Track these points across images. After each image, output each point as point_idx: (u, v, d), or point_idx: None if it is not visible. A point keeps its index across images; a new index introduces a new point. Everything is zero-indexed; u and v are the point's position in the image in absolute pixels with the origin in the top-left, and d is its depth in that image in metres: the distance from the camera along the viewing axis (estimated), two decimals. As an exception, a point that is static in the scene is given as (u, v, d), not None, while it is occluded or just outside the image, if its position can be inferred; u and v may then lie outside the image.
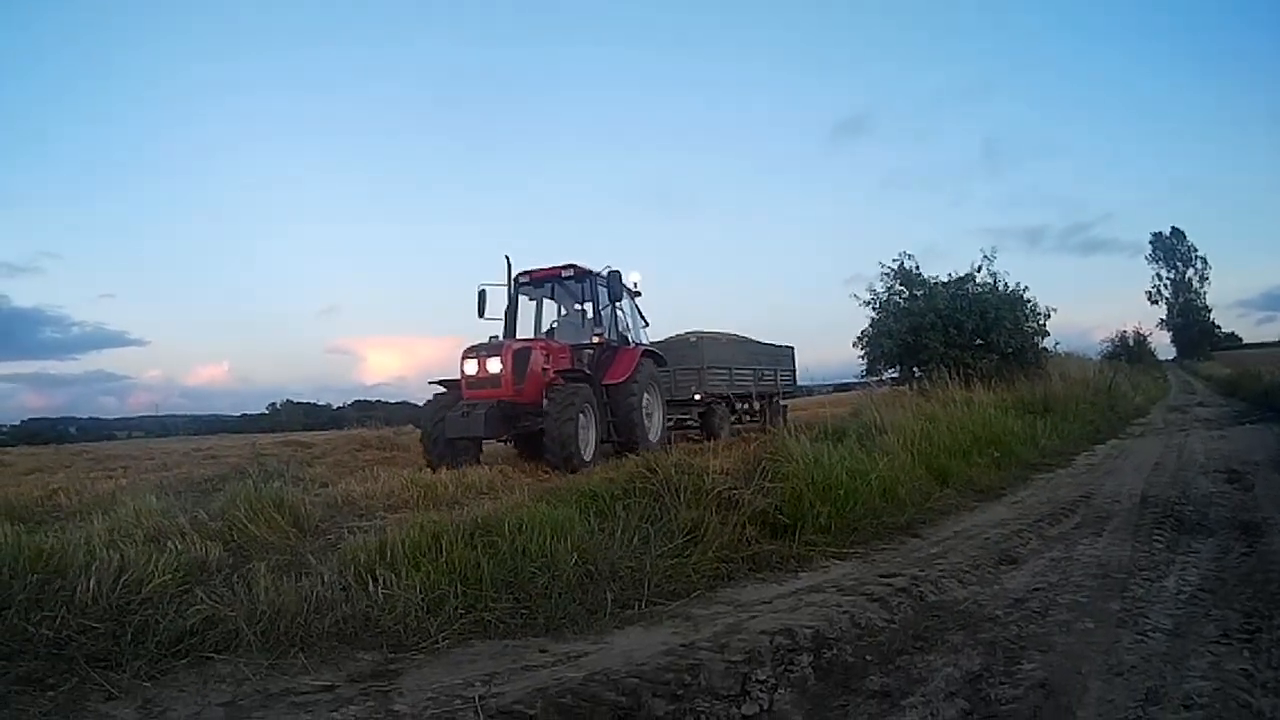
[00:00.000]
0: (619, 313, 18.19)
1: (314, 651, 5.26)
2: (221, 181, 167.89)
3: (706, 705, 4.29)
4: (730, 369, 21.60)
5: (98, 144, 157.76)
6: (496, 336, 16.55)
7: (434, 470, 13.51)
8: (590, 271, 17.47)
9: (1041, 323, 24.75)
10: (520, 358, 15.20)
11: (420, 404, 18.48)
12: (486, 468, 13.48)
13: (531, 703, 4.31)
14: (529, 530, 6.85)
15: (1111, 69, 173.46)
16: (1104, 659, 4.73)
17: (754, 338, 24.00)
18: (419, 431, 16.32)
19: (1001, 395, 19.11)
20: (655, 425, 17.55)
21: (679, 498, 8.12)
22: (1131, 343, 61.34)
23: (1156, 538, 7.75)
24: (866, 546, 8.02)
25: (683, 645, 5.20)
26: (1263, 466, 11.82)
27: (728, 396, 21.33)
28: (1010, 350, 23.27)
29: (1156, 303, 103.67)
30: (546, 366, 15.75)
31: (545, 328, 18.56)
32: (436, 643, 5.44)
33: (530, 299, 18.59)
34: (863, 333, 25.16)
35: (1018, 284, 24.60)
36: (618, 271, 17.14)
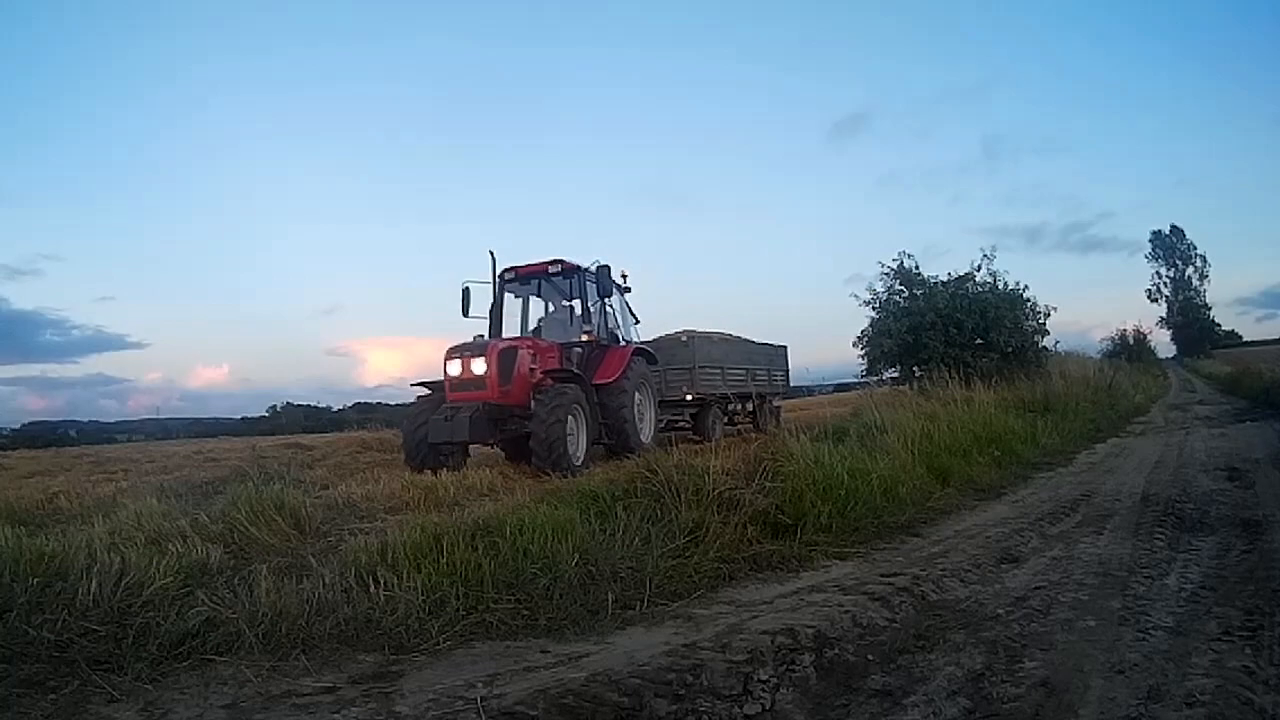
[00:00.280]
0: (608, 309, 17.84)
1: (315, 653, 5.25)
2: (221, 183, 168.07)
3: (709, 705, 4.29)
4: (723, 368, 21.30)
5: (97, 146, 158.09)
6: (482, 336, 16.22)
7: (418, 473, 13.24)
8: (578, 267, 17.05)
9: (1041, 322, 24.79)
10: (506, 357, 14.82)
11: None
12: (487, 470, 13.34)
13: (533, 703, 4.30)
14: (530, 531, 6.85)
15: (1111, 67, 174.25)
16: (1106, 657, 4.73)
17: (747, 337, 23.65)
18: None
19: (1002, 394, 19.13)
20: (647, 426, 17.35)
21: (680, 498, 8.11)
22: (1131, 341, 61.24)
23: (1157, 536, 7.76)
24: (868, 546, 8.01)
25: (684, 645, 5.19)
26: (1263, 464, 11.83)
27: (720, 396, 21.06)
28: (1010, 349, 23.29)
29: (1156, 301, 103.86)
30: (534, 366, 15.42)
31: (532, 326, 18.13)
32: (438, 644, 5.43)
33: (516, 296, 18.21)
34: (863, 332, 25.14)
35: (1018, 283, 24.62)
36: (606, 266, 16.67)
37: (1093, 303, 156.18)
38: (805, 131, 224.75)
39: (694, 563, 7.11)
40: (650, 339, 19.66)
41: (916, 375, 23.69)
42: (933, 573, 6.75)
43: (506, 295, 17.71)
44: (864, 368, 25.27)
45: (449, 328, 15.59)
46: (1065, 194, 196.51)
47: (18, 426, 68.10)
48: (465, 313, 16.86)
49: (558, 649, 5.33)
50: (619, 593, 6.32)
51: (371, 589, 5.97)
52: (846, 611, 5.72)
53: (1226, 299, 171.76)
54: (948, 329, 22.81)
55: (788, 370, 25.61)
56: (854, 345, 25.45)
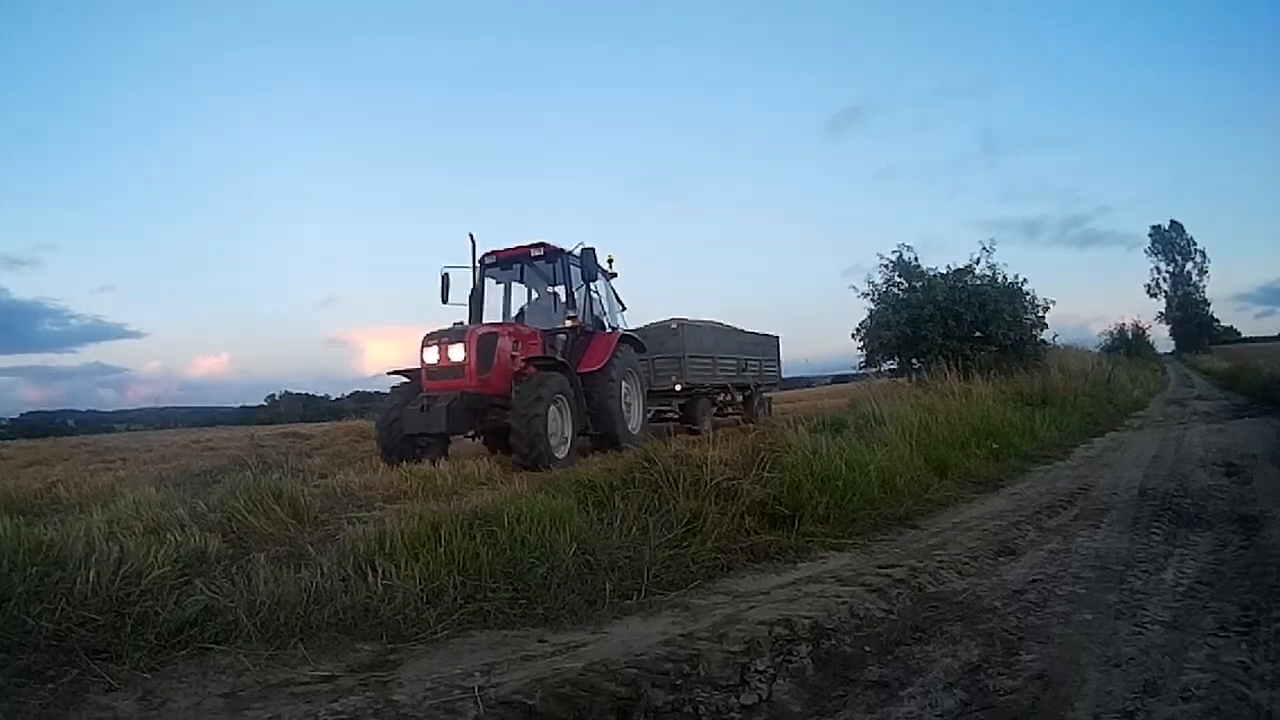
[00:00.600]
0: (594, 295, 17.20)
1: (313, 642, 5.26)
2: (220, 174, 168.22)
3: (705, 695, 4.31)
4: (714, 358, 20.89)
5: (96, 136, 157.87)
6: (462, 323, 15.49)
7: (394, 466, 12.73)
8: (561, 250, 16.40)
9: (1040, 315, 24.72)
10: (485, 344, 14.23)
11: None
12: (484, 459, 13.25)
13: (531, 693, 4.31)
14: (528, 520, 6.85)
15: (1109, 61, 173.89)
16: (1102, 650, 4.74)
17: (738, 326, 23.26)
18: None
19: (1000, 387, 19.06)
20: (635, 416, 16.82)
21: (677, 488, 8.11)
22: (1130, 336, 61.26)
23: (1154, 530, 7.77)
24: (865, 537, 8.02)
25: (682, 635, 5.20)
26: (1261, 460, 11.85)
27: (710, 387, 20.66)
28: (1009, 342, 23.25)
29: (1155, 296, 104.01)
30: (515, 354, 14.82)
31: (514, 312, 17.55)
32: (435, 633, 5.44)
33: (498, 282, 17.60)
34: (861, 324, 24.98)
35: (1016, 276, 24.59)
36: (591, 249, 15.91)
37: (1091, 297, 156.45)
38: (803, 124, 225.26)
39: (691, 553, 7.11)
40: (639, 327, 19.00)
41: (915, 367, 23.58)
42: (930, 565, 6.77)
43: (488, 281, 17.20)
44: (862, 359, 25.11)
45: (449, 317, 14.92)
46: (1064, 188, 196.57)
47: (16, 416, 68.12)
48: (444, 299, 16.25)
49: (555, 638, 5.34)
50: (616, 582, 6.32)
51: (369, 578, 5.96)
52: (844, 603, 5.73)
53: (1225, 295, 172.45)
54: (946, 321, 22.72)
55: (779, 360, 25.49)
56: (852, 337, 25.29)
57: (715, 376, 20.74)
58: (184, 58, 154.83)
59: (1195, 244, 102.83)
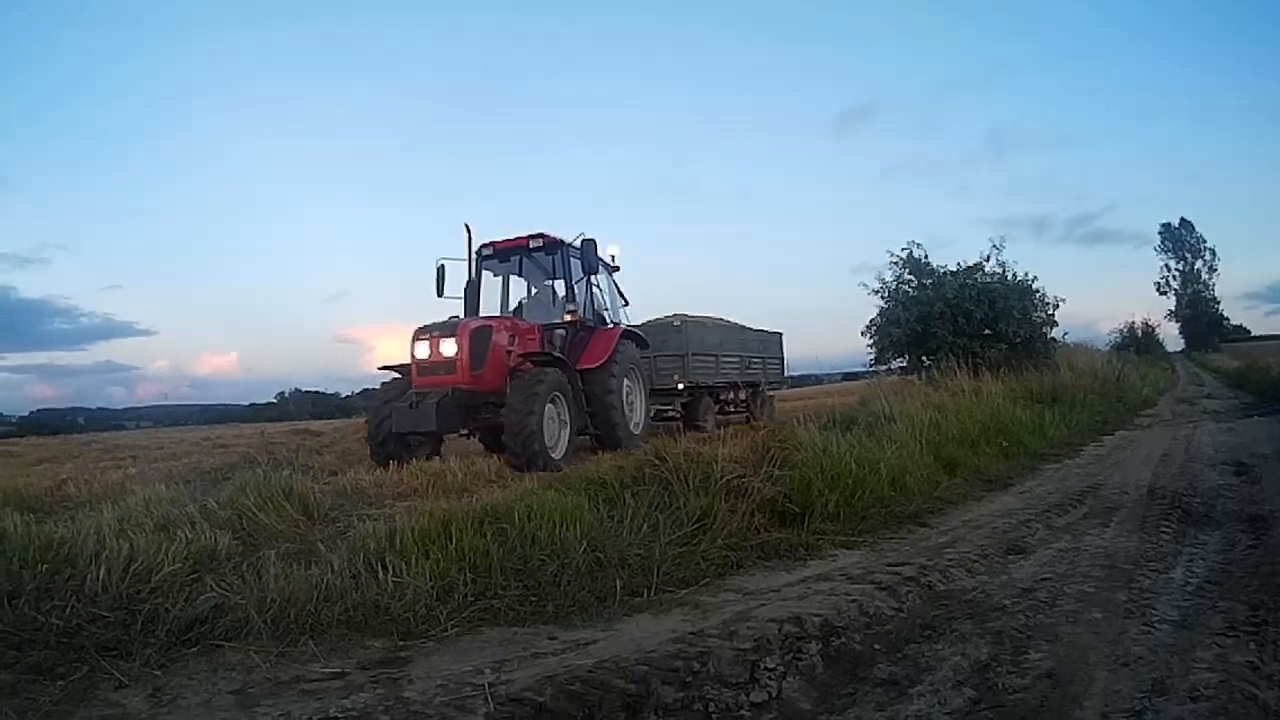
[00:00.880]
0: (595, 289, 16.53)
1: (324, 639, 5.28)
2: (228, 172, 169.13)
3: (715, 693, 4.30)
4: (717, 356, 20.50)
5: (105, 135, 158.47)
6: (457, 317, 14.82)
7: (383, 466, 12.36)
8: (561, 242, 15.74)
9: (1050, 313, 24.70)
10: (479, 338, 13.57)
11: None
12: (495, 456, 13.05)
13: (541, 690, 4.31)
14: (538, 518, 6.87)
15: (1118, 58, 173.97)
16: (1111, 650, 4.73)
17: (741, 322, 22.94)
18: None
19: (1010, 385, 19.07)
20: (637, 416, 16.15)
21: (688, 485, 8.10)
22: (1139, 334, 61.13)
23: (1163, 529, 7.76)
24: (875, 535, 8.02)
25: (692, 633, 5.21)
26: (1270, 459, 11.80)
27: (713, 385, 20.31)
28: (1019, 340, 23.24)
29: (1165, 294, 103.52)
30: (511, 349, 14.17)
31: (513, 306, 16.91)
32: (446, 630, 5.45)
33: (495, 275, 16.96)
34: (871, 321, 24.93)
35: (1026, 274, 24.56)
36: (592, 241, 15.51)
37: (1100, 295, 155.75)
38: (811, 121, 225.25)
39: (701, 550, 7.11)
40: (640, 324, 18.37)
41: (925, 365, 23.61)
42: (940, 563, 6.76)
43: (485, 274, 16.50)
44: (872, 357, 25.12)
45: (444, 311, 14.46)
46: (1072, 186, 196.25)
47: (26, 414, 68.48)
48: (440, 292, 15.74)
49: (565, 635, 5.35)
50: (627, 580, 6.33)
51: (380, 575, 5.98)
52: (853, 600, 5.73)
53: (1235, 293, 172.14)
54: (956, 319, 22.68)
55: (783, 358, 25.15)
56: (862, 334, 25.25)
57: (718, 375, 20.49)
58: (191, 55, 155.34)
59: (1205, 242, 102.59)
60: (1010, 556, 7.03)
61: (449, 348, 13.30)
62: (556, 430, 13.33)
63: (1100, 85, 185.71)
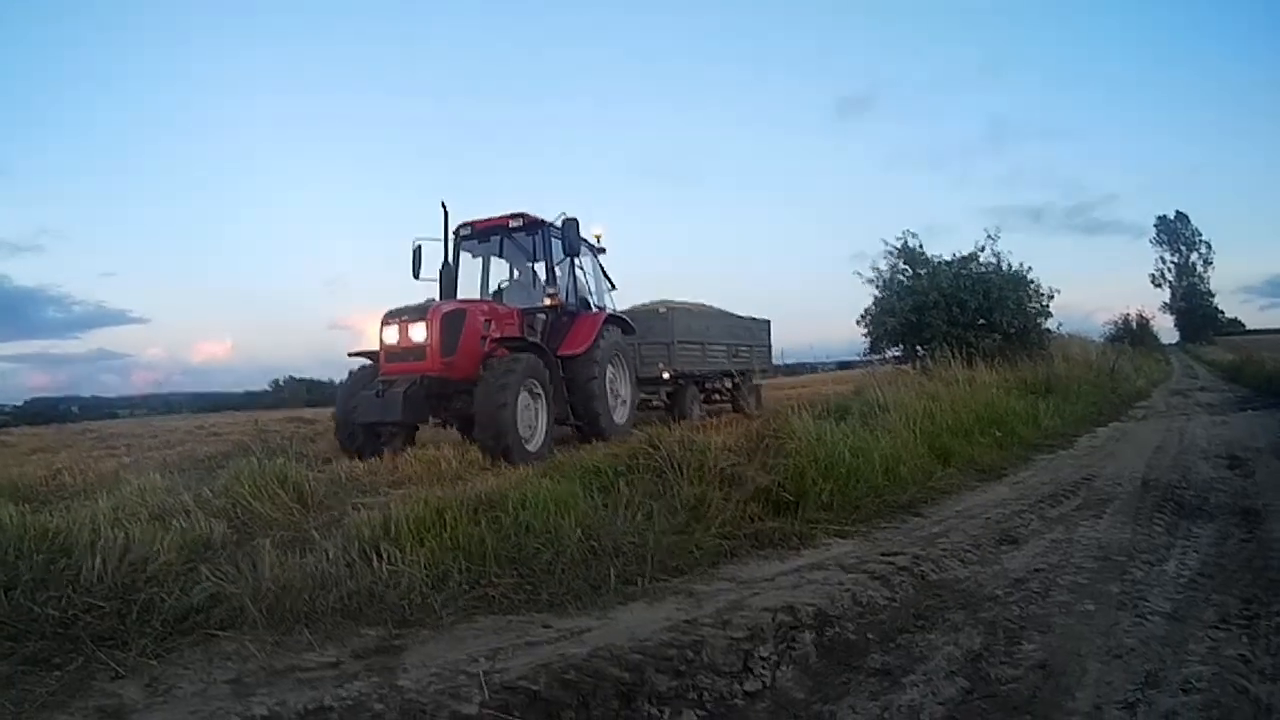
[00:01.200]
0: (579, 272, 16.17)
1: (319, 627, 5.27)
2: (222, 158, 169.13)
3: (709, 681, 4.32)
4: (703, 343, 19.96)
5: (98, 121, 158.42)
6: (434, 300, 14.35)
7: (359, 459, 11.90)
8: (542, 221, 15.18)
9: (1045, 303, 24.70)
10: (451, 323, 13.01)
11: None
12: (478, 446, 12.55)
13: (535, 678, 4.32)
14: (533, 506, 6.87)
15: (1118, 50, 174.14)
16: (1103, 641, 4.75)
17: (727, 309, 22.37)
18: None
19: (1004, 375, 19.07)
20: (622, 405, 15.77)
21: (682, 474, 8.15)
22: (1134, 325, 61.21)
23: (1157, 521, 7.77)
24: (868, 524, 8.03)
25: (686, 621, 5.21)
26: (1264, 453, 11.83)
27: (699, 374, 19.93)
28: (1013, 330, 23.25)
29: (1160, 286, 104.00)
30: (486, 334, 13.60)
31: (494, 289, 16.47)
32: (441, 618, 5.45)
33: (474, 256, 16.45)
34: (866, 310, 24.99)
35: (1021, 264, 24.60)
36: (574, 220, 14.61)
37: (1096, 286, 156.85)
38: (811, 109, 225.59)
39: (696, 539, 7.11)
40: (624, 310, 17.94)
41: (919, 354, 23.66)
42: (933, 552, 6.78)
43: (464, 255, 16.04)
44: (867, 346, 25.18)
45: (426, 296, 13.82)
46: (1069, 176, 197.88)
47: (20, 403, 68.41)
48: (416, 274, 15.29)
49: (560, 624, 5.35)
50: (621, 568, 6.33)
51: (374, 563, 5.98)
52: (847, 590, 5.75)
53: (1230, 286, 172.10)
54: (951, 308, 22.72)
55: (770, 347, 24.75)
56: (857, 323, 25.30)
57: (705, 363, 20.10)
58: (186, 43, 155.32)
59: (1200, 235, 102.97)
60: (1003, 547, 7.05)
61: (419, 333, 12.80)
62: (532, 421, 12.86)
63: (1100, 76, 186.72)
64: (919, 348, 23.77)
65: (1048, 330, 25.31)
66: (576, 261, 15.97)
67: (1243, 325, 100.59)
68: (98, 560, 5.89)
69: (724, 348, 21.23)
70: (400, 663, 4.70)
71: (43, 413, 58.02)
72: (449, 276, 15.36)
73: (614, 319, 16.21)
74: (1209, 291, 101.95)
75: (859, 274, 25.54)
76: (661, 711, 4.11)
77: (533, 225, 15.29)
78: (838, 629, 5.06)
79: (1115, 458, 12.20)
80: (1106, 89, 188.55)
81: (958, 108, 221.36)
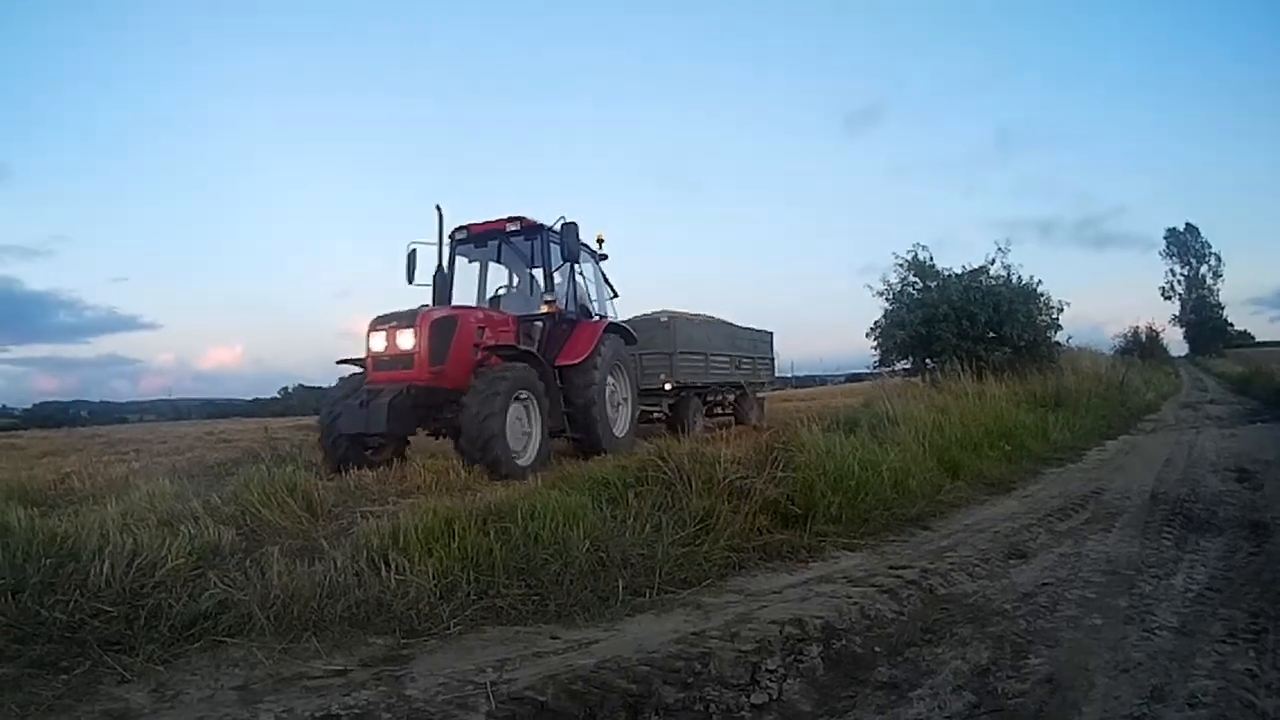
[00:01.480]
0: (578, 279, 15.29)
1: (327, 636, 5.30)
2: (235, 166, 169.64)
3: (716, 694, 4.32)
4: (706, 354, 19.20)
5: (112, 127, 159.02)
6: (427, 306, 13.42)
7: (342, 472, 10.96)
8: (541, 226, 14.41)
9: (1055, 316, 24.68)
10: (440, 330, 12.26)
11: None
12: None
13: (543, 689, 4.34)
14: (541, 517, 6.87)
15: (1126, 62, 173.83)
16: (1111, 655, 4.74)
17: (730, 320, 21.62)
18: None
19: (1013, 388, 19.08)
20: (623, 417, 15.12)
21: (691, 486, 8.12)
22: (1144, 338, 61.21)
23: (1165, 535, 7.78)
24: (877, 538, 8.04)
25: (693, 634, 5.23)
26: (1273, 466, 11.79)
27: (702, 386, 19.17)
28: (1023, 343, 23.20)
29: (1170, 298, 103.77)
30: (479, 342, 12.79)
31: (492, 296, 15.56)
32: (448, 628, 5.47)
33: (471, 261, 15.58)
34: (876, 323, 24.93)
35: (1031, 277, 24.53)
36: (574, 224, 13.91)
37: (1105, 298, 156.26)
38: (820, 122, 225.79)
39: (704, 551, 7.12)
40: (625, 319, 16.97)
41: (929, 367, 23.59)
42: (941, 566, 6.79)
43: (459, 259, 15.29)
44: (876, 359, 25.17)
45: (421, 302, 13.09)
46: (1079, 188, 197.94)
47: (29, 406, 68.53)
48: (410, 279, 14.35)
49: (567, 635, 5.37)
50: (629, 580, 6.35)
51: (383, 572, 6.00)
52: (855, 603, 5.75)
53: (1240, 298, 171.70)
54: (960, 321, 22.67)
55: (773, 359, 24.15)
56: (867, 336, 25.26)
57: (708, 375, 19.38)
58: (201, 50, 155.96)
59: (1210, 247, 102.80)
60: (1011, 561, 7.05)
61: (407, 340, 12.08)
62: (523, 433, 12.21)
63: (1109, 88, 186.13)
64: (928, 360, 23.74)
65: (1057, 343, 25.35)
66: (576, 268, 15.24)
67: (1252, 337, 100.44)
68: (106, 565, 5.92)
69: (727, 359, 20.68)
70: (408, 672, 4.72)
71: (52, 416, 58.16)
72: (443, 282, 14.80)
73: (615, 328, 15.49)
74: (1218, 304, 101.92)
75: (869, 286, 25.55)
76: (668, 723, 4.12)
77: (531, 229, 14.61)
78: (845, 642, 5.05)
79: (1124, 471, 12.19)
80: (1114, 98, 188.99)
81: (966, 119, 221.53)
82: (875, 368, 25.44)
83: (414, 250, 14.40)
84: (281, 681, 4.64)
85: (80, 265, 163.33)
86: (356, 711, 4.15)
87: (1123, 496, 9.84)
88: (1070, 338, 27.06)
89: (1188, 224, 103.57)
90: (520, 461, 11.70)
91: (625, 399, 15.41)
